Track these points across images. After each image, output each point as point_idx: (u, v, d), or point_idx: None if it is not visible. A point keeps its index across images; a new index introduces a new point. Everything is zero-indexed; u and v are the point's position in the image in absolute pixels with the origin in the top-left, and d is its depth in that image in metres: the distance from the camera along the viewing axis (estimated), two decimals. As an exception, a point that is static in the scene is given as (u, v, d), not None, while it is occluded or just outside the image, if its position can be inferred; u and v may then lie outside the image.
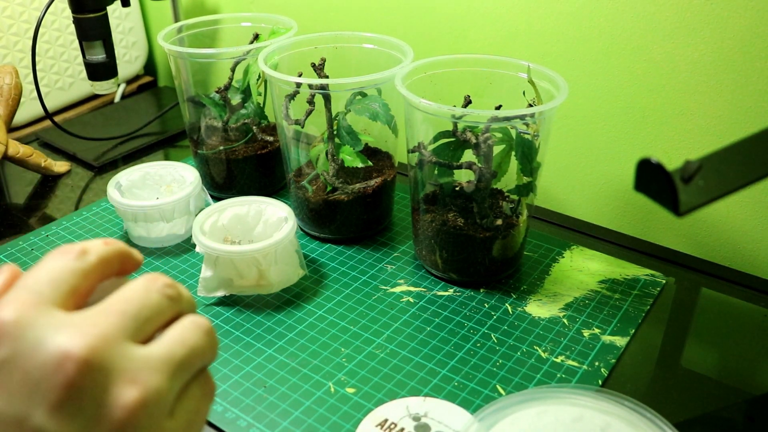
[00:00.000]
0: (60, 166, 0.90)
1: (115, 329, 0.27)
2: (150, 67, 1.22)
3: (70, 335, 0.26)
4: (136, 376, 0.27)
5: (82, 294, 0.29)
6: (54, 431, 0.25)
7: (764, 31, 0.63)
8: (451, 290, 0.66)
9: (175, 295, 0.31)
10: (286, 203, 0.71)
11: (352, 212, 0.72)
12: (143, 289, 0.30)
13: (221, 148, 0.81)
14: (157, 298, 0.30)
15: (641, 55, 0.71)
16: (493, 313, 0.63)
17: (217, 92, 0.79)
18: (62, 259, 0.29)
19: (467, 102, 0.63)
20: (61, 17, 1.04)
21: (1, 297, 0.28)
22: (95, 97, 1.13)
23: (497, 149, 0.63)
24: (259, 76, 0.79)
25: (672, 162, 0.74)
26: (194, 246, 0.65)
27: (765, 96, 0.65)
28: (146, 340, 0.29)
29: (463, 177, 0.67)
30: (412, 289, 0.67)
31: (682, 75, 0.69)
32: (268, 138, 0.82)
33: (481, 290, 0.66)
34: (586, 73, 0.75)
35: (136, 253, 0.33)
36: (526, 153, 0.62)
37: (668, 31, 0.68)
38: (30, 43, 0.96)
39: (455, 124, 0.62)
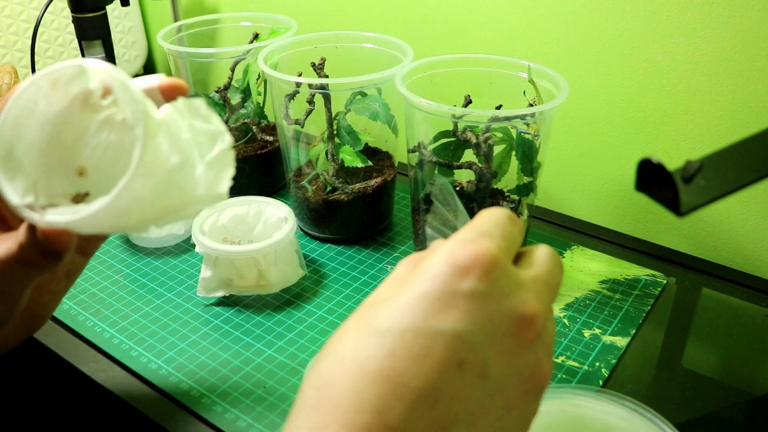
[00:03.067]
0: (59, 165, 0.90)
1: (550, 299, 0.32)
2: (149, 66, 1.22)
3: (527, 298, 0.30)
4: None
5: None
6: (495, 374, 0.29)
7: (765, 31, 0.63)
8: (452, 290, 0.66)
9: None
10: (286, 203, 0.70)
11: (352, 212, 0.72)
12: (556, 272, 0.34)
13: (221, 147, 0.80)
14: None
15: (642, 54, 0.71)
16: (493, 313, 0.63)
17: (216, 92, 0.79)
18: (509, 221, 0.33)
19: (467, 102, 0.63)
20: (60, 17, 1.03)
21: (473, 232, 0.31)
22: (95, 96, 1.12)
23: (497, 149, 0.63)
24: (259, 76, 0.79)
25: (673, 162, 0.74)
26: (194, 246, 0.65)
27: (766, 95, 0.65)
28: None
29: (464, 177, 0.67)
30: (412, 289, 0.67)
31: (683, 74, 0.69)
32: (267, 138, 0.82)
33: (482, 290, 0.66)
34: (587, 72, 0.75)
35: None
36: (527, 153, 0.62)
37: (669, 30, 0.68)
38: (29, 42, 0.96)
39: (455, 124, 0.62)
